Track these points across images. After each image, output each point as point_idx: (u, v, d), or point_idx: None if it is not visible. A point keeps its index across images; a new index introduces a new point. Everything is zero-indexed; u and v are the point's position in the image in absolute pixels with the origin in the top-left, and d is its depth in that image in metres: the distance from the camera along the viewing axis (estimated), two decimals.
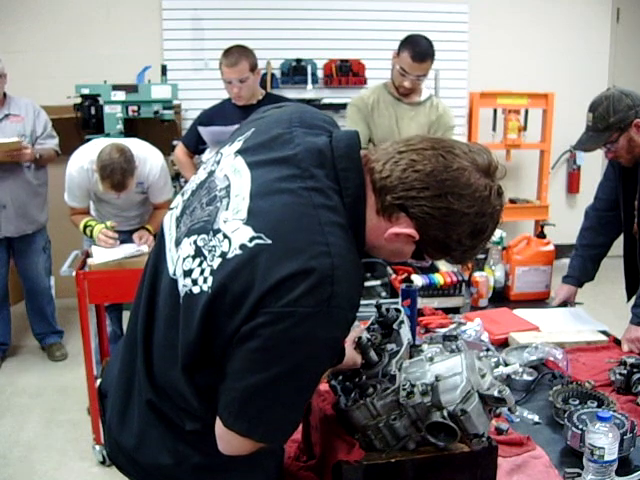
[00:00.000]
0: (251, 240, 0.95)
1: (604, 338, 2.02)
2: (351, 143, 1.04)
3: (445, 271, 2.33)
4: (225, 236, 0.98)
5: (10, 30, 4.54)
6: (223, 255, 0.96)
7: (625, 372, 1.66)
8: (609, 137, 2.00)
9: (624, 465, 1.31)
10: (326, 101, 4.99)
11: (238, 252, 0.95)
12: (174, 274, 1.05)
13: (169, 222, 1.14)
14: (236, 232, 0.97)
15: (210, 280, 0.97)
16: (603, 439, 1.20)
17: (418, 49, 2.74)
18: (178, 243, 1.06)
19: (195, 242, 1.01)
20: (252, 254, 0.94)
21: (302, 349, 0.93)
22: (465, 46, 5.20)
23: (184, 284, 1.01)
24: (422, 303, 2.15)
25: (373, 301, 1.43)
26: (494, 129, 5.13)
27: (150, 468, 1.13)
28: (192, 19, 4.73)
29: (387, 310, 1.37)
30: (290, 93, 4.66)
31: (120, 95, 4.00)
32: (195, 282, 0.99)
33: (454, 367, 1.14)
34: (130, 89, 4.03)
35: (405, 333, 1.31)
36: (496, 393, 1.09)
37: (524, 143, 5.16)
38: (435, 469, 1.13)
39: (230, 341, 0.96)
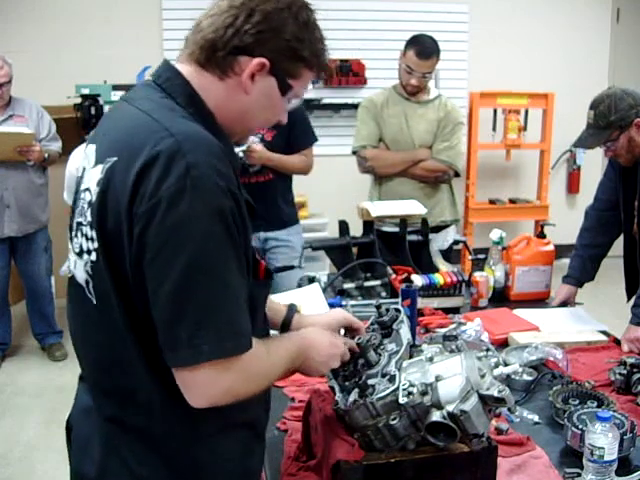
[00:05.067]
0: (102, 171, 0.96)
1: (604, 338, 2.02)
2: (163, 66, 1.06)
3: (445, 271, 2.33)
4: (86, 189, 1.00)
5: (10, 30, 4.54)
6: (90, 204, 0.98)
7: (625, 372, 1.66)
8: (609, 135, 2.00)
9: (624, 465, 1.31)
10: (326, 101, 4.99)
11: (97, 189, 0.96)
12: (80, 280, 1.04)
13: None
14: (91, 178, 0.99)
15: (94, 233, 0.97)
16: (603, 439, 1.20)
17: (423, 47, 2.79)
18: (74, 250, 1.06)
19: (78, 225, 1.03)
20: (107, 179, 0.95)
21: (191, 231, 0.88)
22: (465, 46, 5.20)
23: (85, 268, 1.00)
24: (422, 303, 2.15)
25: (373, 301, 1.43)
26: (494, 129, 5.13)
27: None
28: (192, 19, 4.70)
29: (387, 310, 1.37)
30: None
31: (120, 95, 4.00)
32: (89, 251, 0.99)
33: (454, 367, 1.14)
34: (130, 89, 4.02)
35: (405, 333, 1.31)
36: (496, 393, 1.09)
37: (524, 143, 5.15)
38: (435, 469, 1.13)
39: (136, 270, 0.92)
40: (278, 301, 1.38)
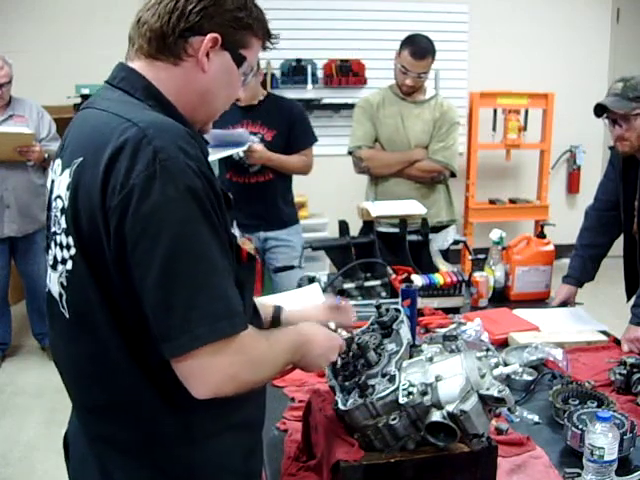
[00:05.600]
0: (70, 175, 0.95)
1: (604, 338, 2.02)
2: (117, 67, 1.06)
3: (445, 271, 2.33)
4: (57, 197, 0.98)
5: (10, 30, 4.54)
6: (63, 210, 0.96)
7: (625, 372, 1.66)
8: (634, 109, 1.96)
9: (624, 465, 1.31)
10: (326, 101, 5.00)
11: (67, 193, 0.95)
12: (54, 293, 1.01)
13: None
14: (60, 185, 0.98)
15: (69, 240, 0.95)
16: (603, 439, 1.20)
17: (418, 46, 2.78)
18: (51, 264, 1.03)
19: (52, 235, 1.00)
20: (76, 180, 0.93)
21: (167, 216, 0.86)
22: (465, 46, 5.20)
23: (59, 280, 0.98)
24: (422, 303, 2.14)
25: (373, 301, 1.43)
26: (494, 129, 5.13)
27: None
28: None
29: (387, 310, 1.37)
30: (290, 93, 4.67)
31: None
32: (63, 261, 0.97)
33: (454, 367, 1.14)
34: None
35: (405, 333, 1.31)
36: (496, 393, 1.09)
37: (524, 143, 5.15)
38: (435, 469, 1.13)
39: (119, 266, 0.90)
40: (264, 302, 1.36)
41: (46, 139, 3.57)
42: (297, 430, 1.41)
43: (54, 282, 1.01)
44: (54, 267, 1.00)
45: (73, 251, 0.95)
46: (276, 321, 1.34)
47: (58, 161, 1.03)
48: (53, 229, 1.00)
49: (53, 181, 1.03)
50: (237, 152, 2.73)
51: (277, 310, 1.37)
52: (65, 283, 0.98)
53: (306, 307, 1.41)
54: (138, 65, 1.02)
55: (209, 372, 0.90)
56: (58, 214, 0.98)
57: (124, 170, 0.87)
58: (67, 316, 0.99)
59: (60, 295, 0.99)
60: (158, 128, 0.90)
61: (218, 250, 0.91)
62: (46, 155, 3.47)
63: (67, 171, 0.96)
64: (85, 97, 4.07)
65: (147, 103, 0.98)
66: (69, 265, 0.96)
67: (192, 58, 0.99)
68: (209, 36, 0.98)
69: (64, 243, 0.96)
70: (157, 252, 0.86)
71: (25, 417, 3.20)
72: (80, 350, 1.00)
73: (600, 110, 2.02)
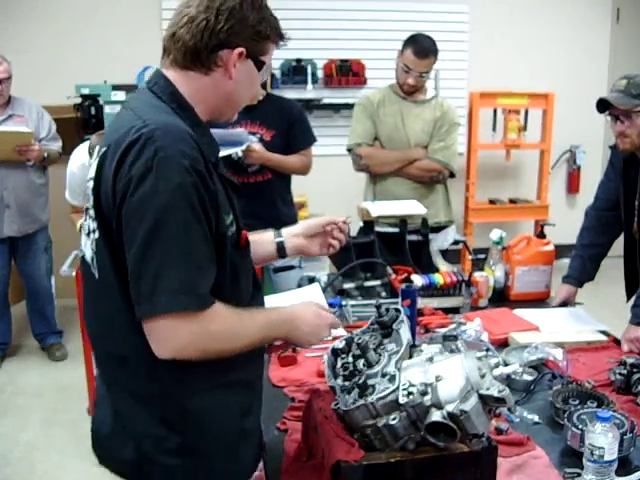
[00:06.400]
0: (97, 161, 1.14)
1: (604, 338, 2.02)
2: (155, 73, 1.22)
3: (445, 271, 2.33)
4: (90, 179, 1.16)
5: (11, 30, 4.54)
6: (92, 189, 1.14)
7: (625, 372, 1.66)
8: (636, 106, 1.96)
9: (624, 465, 1.31)
10: (326, 101, 5.00)
11: (94, 176, 1.13)
12: (87, 257, 1.20)
13: None
14: (92, 169, 1.16)
15: (94, 214, 1.14)
16: (603, 439, 1.20)
17: (421, 46, 2.79)
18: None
19: (86, 210, 1.19)
20: (100, 166, 1.12)
21: (153, 204, 1.03)
22: (465, 46, 5.20)
23: (91, 246, 1.17)
24: (422, 303, 2.15)
25: (373, 301, 1.43)
26: (494, 129, 5.13)
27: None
28: None
29: (387, 310, 1.37)
30: (290, 93, 4.67)
31: (120, 95, 4.01)
32: (93, 230, 1.15)
33: (454, 367, 1.14)
34: (130, 89, 4.02)
35: (405, 333, 1.31)
36: (496, 393, 1.09)
37: (524, 143, 5.15)
38: (435, 469, 1.13)
39: (120, 240, 1.09)
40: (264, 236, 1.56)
41: (46, 139, 3.57)
42: (297, 430, 1.41)
43: (88, 248, 1.19)
44: (88, 235, 1.19)
45: (96, 224, 1.13)
46: (281, 248, 1.53)
47: (97, 148, 1.20)
48: (87, 205, 1.19)
49: (90, 165, 1.20)
50: (236, 152, 2.73)
51: (278, 234, 1.56)
52: (94, 249, 1.16)
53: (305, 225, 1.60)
54: (171, 74, 1.19)
55: (168, 337, 1.07)
56: (89, 193, 1.16)
57: (130, 162, 1.05)
58: (97, 277, 1.17)
59: (92, 259, 1.18)
60: (164, 130, 1.07)
61: (198, 239, 1.07)
62: (45, 154, 3.47)
63: (97, 158, 1.15)
64: (85, 97, 4.07)
65: (170, 106, 1.16)
66: (96, 234, 1.14)
67: (221, 68, 1.17)
68: (236, 51, 1.16)
69: (92, 216, 1.15)
70: (140, 231, 1.04)
71: (25, 417, 3.20)
72: (100, 306, 1.20)
73: (602, 106, 2.03)
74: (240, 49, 1.16)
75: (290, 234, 1.56)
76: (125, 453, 1.20)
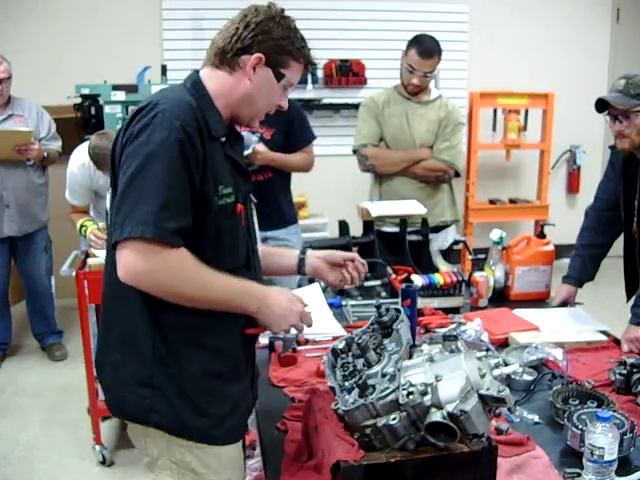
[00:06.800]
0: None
1: (604, 338, 2.02)
2: (192, 72, 1.40)
3: (445, 271, 2.33)
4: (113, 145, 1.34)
5: (11, 30, 4.54)
6: (110, 153, 1.31)
7: (625, 372, 1.66)
8: (635, 106, 1.96)
9: (624, 465, 1.31)
10: (326, 101, 5.00)
11: (114, 143, 1.31)
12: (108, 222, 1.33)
13: None
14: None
15: (110, 172, 1.31)
16: (603, 439, 1.20)
17: (425, 46, 2.80)
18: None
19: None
20: (121, 130, 1.30)
21: (141, 152, 1.20)
22: (465, 46, 5.20)
23: (111, 201, 1.29)
24: (422, 303, 2.15)
25: (373, 301, 1.44)
26: (494, 129, 5.13)
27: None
28: (192, 19, 4.73)
29: (387, 310, 1.37)
30: (290, 93, 4.66)
31: (120, 95, 4.00)
32: (110, 191, 1.31)
33: (454, 367, 1.14)
34: (130, 89, 4.03)
35: (405, 333, 1.31)
36: (496, 393, 1.09)
37: (524, 143, 5.15)
38: (435, 469, 1.13)
39: None
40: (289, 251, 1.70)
41: (45, 138, 3.56)
42: (297, 430, 1.41)
43: (109, 206, 1.33)
44: (112, 198, 1.31)
45: (111, 181, 1.30)
46: (302, 265, 1.65)
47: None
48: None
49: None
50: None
51: (302, 252, 1.67)
52: (110, 207, 1.30)
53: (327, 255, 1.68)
54: (204, 70, 1.38)
55: (130, 262, 1.20)
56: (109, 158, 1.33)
57: (135, 121, 1.24)
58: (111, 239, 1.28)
59: (110, 220, 1.30)
60: (170, 100, 1.26)
61: (174, 185, 1.20)
62: (45, 154, 3.46)
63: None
64: (85, 97, 4.07)
65: (191, 92, 1.33)
66: (110, 192, 1.31)
67: (242, 70, 1.34)
68: (255, 55, 1.33)
69: (111, 176, 1.31)
70: (126, 173, 1.21)
71: (25, 417, 3.20)
72: (107, 273, 1.35)
73: (601, 105, 2.03)
74: (259, 55, 1.32)
75: (313, 255, 1.67)
76: (107, 379, 1.38)
